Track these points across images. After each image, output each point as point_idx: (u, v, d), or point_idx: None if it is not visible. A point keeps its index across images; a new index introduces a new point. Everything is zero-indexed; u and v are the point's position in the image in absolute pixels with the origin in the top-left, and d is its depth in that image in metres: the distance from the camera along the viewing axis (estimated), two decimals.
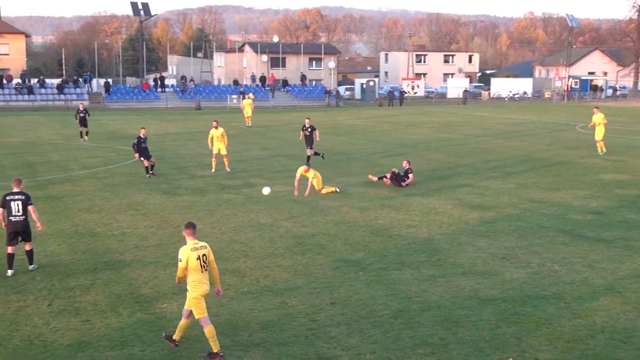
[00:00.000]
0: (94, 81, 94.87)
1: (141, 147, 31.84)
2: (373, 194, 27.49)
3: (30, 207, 17.26)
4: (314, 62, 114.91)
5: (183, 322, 12.74)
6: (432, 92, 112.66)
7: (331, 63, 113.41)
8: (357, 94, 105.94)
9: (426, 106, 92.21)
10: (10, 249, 17.21)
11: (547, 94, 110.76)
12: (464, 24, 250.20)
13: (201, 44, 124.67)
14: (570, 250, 19.33)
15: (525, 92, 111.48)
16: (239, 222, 22.73)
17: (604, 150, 40.08)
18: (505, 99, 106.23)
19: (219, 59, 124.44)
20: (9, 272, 17.19)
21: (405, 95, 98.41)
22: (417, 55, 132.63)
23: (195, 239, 12.57)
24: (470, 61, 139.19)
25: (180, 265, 12.36)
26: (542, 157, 39.13)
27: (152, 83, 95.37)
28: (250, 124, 58.67)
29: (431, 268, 17.68)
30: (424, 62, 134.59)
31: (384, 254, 18.96)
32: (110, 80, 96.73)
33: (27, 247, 17.53)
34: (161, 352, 12.58)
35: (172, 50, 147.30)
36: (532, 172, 33.40)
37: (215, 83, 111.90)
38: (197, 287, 12.36)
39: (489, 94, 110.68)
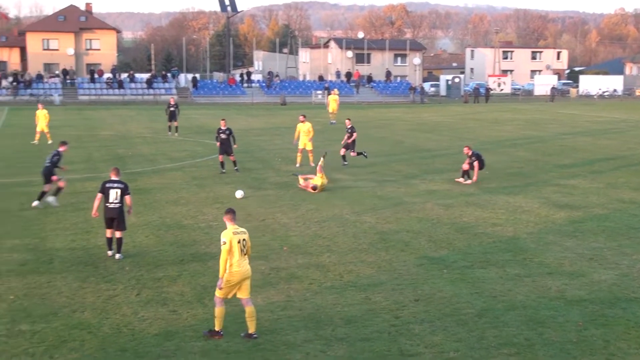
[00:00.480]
0: (182, 76, 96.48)
1: (221, 138, 31.19)
2: (458, 191, 27.27)
3: (127, 197, 18.15)
4: (399, 58, 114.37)
5: (248, 310, 13.05)
6: (519, 89, 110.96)
7: (416, 59, 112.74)
8: (442, 91, 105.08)
9: (512, 103, 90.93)
10: (109, 232, 18.19)
11: (638, 92, 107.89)
12: (552, 20, 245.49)
13: (287, 39, 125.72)
14: None
15: (615, 90, 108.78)
16: (322, 216, 22.84)
17: None
18: (595, 97, 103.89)
19: (304, 54, 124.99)
20: (109, 252, 18.17)
21: (491, 92, 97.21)
22: (503, 51, 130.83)
23: (235, 225, 13.17)
24: (558, 58, 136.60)
25: (225, 247, 12.78)
26: (633, 155, 38.17)
27: (238, 78, 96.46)
28: (334, 121, 57.05)
29: (517, 267, 17.47)
30: (511, 58, 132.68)
31: (469, 252, 18.80)
32: (197, 75, 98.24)
33: (118, 234, 18.19)
34: (246, 344, 12.74)
35: (258, 46, 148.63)
36: (622, 172, 32.64)
37: (300, 79, 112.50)
38: (234, 273, 12.77)
39: (578, 91, 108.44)
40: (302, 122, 33.03)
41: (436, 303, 14.84)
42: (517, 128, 55.56)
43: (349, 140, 33.76)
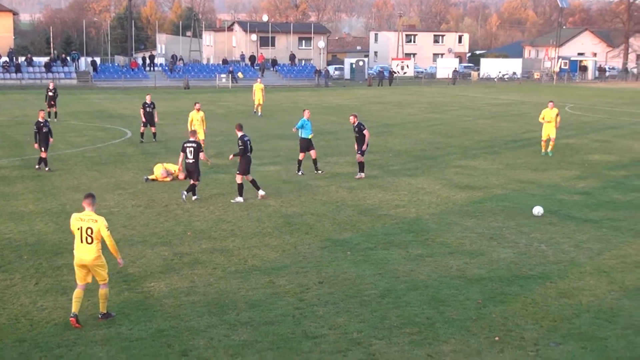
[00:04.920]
0: (82, 60, 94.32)
1: (146, 112, 35.88)
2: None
3: (201, 154, 22.61)
4: (303, 41, 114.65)
5: (99, 292, 13.17)
6: (422, 72, 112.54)
7: (321, 43, 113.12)
8: (347, 74, 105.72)
9: (415, 86, 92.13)
10: (191, 181, 22.77)
11: (536, 75, 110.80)
12: (454, 4, 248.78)
13: (190, 22, 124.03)
14: (557, 231, 19.41)
15: (514, 73, 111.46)
16: (226, 201, 22.71)
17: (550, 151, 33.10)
18: (495, 80, 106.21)
19: (208, 38, 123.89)
20: (185, 194, 22.62)
21: (395, 75, 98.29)
22: (406, 35, 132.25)
23: (90, 211, 12.96)
24: (460, 41, 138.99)
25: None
26: (531, 137, 39.14)
27: (140, 62, 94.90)
28: (258, 112, 50.98)
29: (419, 247, 17.73)
30: (414, 42, 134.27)
31: (372, 234, 18.99)
32: (98, 59, 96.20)
33: (192, 182, 22.72)
34: (149, 330, 12.58)
35: (161, 29, 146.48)
36: (521, 153, 33.48)
37: (204, 62, 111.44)
38: (75, 257, 12.91)
39: (479, 74, 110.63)
40: (197, 110, 31.15)
41: (340, 285, 14.94)
42: (419, 111, 56.35)
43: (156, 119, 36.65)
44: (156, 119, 36.27)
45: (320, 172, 27.52)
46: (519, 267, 16.20)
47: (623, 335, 12.52)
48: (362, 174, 26.78)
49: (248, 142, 22.46)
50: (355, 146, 26.74)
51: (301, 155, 27.37)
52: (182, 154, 22.78)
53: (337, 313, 13.40)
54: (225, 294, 14.39)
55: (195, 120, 31.05)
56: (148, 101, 36.19)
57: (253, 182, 22.86)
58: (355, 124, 26.45)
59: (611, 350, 11.97)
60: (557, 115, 32.78)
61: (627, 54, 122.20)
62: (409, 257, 16.91)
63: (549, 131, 32.68)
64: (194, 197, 22.71)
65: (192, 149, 22.43)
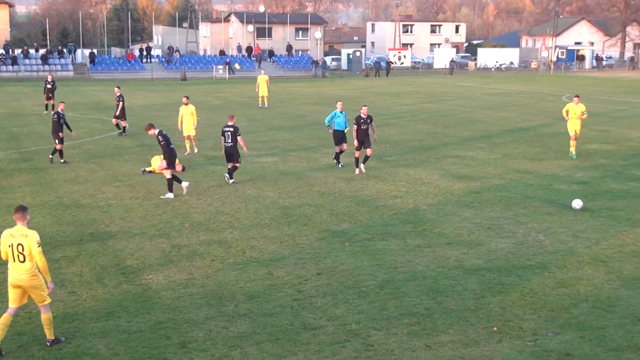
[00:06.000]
0: (79, 52, 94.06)
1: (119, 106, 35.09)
2: None
3: (239, 138, 23.35)
4: (300, 32, 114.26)
5: (42, 317, 11.83)
6: (419, 62, 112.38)
7: (317, 33, 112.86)
8: (344, 65, 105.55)
9: (413, 77, 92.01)
10: (229, 165, 23.77)
11: (533, 64, 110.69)
12: None
13: (187, 13, 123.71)
14: (555, 220, 19.43)
15: (511, 63, 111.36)
16: (224, 193, 22.70)
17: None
18: (492, 69, 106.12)
19: (204, 29, 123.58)
20: (227, 176, 24.00)
21: (392, 65, 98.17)
22: (403, 25, 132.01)
23: (22, 225, 11.53)
24: (457, 31, 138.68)
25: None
26: (528, 127, 39.18)
27: (137, 53, 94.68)
28: (266, 105, 50.33)
29: (417, 238, 17.73)
30: (411, 32, 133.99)
31: (370, 225, 18.99)
32: (95, 51, 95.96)
33: (231, 165, 23.75)
34: (147, 322, 12.58)
35: (158, 20, 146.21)
36: (518, 143, 33.47)
37: (201, 53, 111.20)
38: (9, 278, 11.59)
39: (476, 64, 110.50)
40: (185, 104, 29.57)
41: (338, 276, 14.95)
42: (417, 101, 56.30)
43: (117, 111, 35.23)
44: (118, 112, 35.06)
45: (341, 165, 27.01)
46: (516, 257, 16.21)
47: (621, 325, 12.55)
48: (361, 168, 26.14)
49: (167, 135, 22.24)
50: (356, 140, 25.60)
51: (337, 148, 26.96)
52: (222, 137, 23.60)
53: (335, 304, 13.41)
54: (223, 285, 14.40)
55: (185, 115, 29.51)
56: (117, 94, 35.33)
57: (175, 177, 22.25)
58: (366, 116, 25.98)
59: (609, 339, 11.99)
60: (584, 112, 29.47)
61: (624, 43, 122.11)
62: (407, 248, 16.92)
63: (575, 127, 29.37)
64: (231, 181, 23.81)
65: (229, 132, 23.31)
